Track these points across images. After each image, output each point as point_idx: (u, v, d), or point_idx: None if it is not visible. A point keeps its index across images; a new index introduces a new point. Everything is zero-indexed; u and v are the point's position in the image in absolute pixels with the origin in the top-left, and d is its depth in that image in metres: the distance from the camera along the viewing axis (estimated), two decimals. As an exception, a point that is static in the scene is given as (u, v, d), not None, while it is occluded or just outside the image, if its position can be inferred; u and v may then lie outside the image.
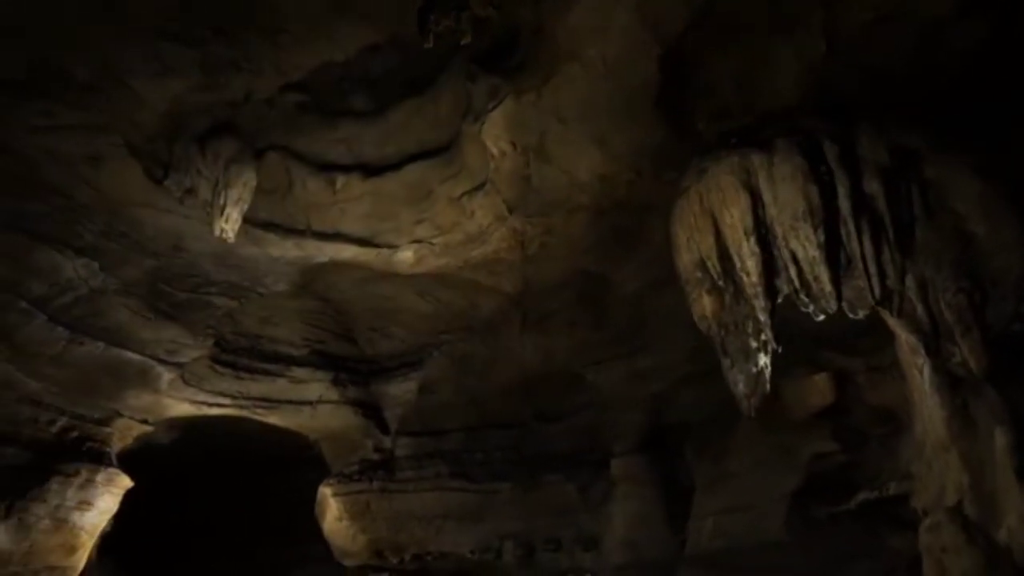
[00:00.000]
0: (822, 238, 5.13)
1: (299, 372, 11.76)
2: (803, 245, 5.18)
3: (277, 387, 11.74)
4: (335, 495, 12.03)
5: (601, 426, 10.97)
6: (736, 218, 5.42)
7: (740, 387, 5.71)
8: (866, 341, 6.79)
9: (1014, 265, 5.09)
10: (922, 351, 5.27)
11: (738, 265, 5.45)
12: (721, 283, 5.66)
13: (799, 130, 5.74)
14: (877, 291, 5.17)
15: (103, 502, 10.98)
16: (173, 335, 10.16)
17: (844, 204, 5.25)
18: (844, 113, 5.89)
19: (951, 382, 5.10)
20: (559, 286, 10.00)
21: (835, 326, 7.42)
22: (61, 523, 10.26)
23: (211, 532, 17.31)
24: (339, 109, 8.40)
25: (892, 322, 5.54)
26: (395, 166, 8.64)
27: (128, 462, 12.77)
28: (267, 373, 11.55)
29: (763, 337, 5.68)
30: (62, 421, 10.16)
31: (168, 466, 15.13)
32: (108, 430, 10.87)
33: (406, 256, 9.14)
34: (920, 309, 5.27)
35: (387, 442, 12.44)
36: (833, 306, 5.12)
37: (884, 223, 5.28)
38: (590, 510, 10.41)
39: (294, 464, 14.37)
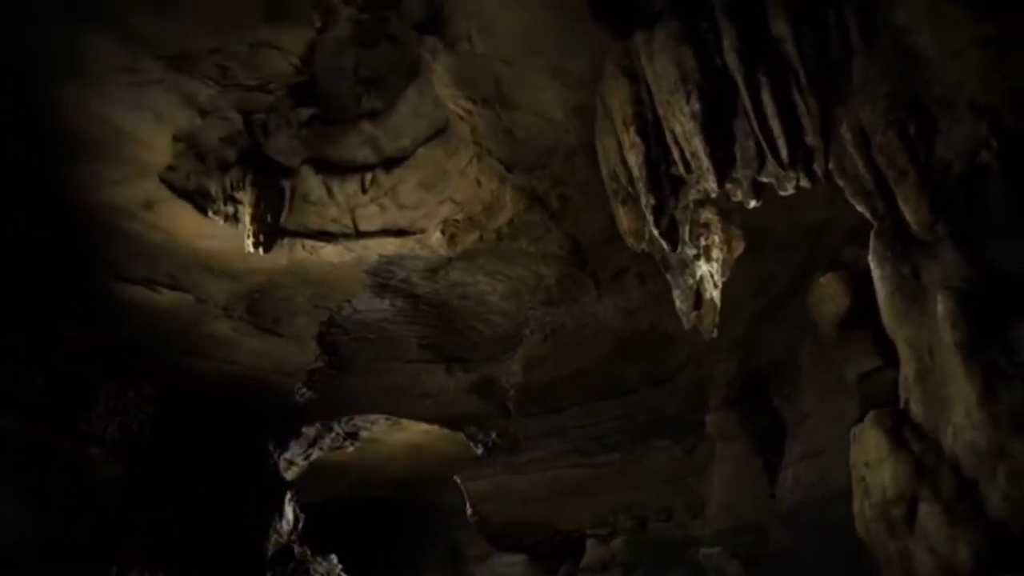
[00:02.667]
0: (696, 106, 4.22)
1: (412, 368, 12.37)
2: (679, 121, 4.32)
3: (395, 385, 12.48)
4: (465, 482, 12.40)
5: (701, 382, 9.97)
6: (617, 109, 4.71)
7: (678, 304, 4.90)
8: (893, 225, 5.36)
9: (969, 74, 3.72)
10: (869, 215, 4.07)
11: (629, 162, 4.71)
12: (631, 190, 4.93)
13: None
14: (784, 152, 4.13)
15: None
16: (283, 350, 11.33)
17: (731, 58, 4.28)
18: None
19: (900, 250, 3.83)
20: (611, 240, 9.33)
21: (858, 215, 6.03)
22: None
23: (407, 527, 18.87)
24: (357, 112, 8.80)
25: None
26: (411, 154, 8.84)
27: (315, 473, 14.59)
28: (382, 373, 12.33)
29: (702, 241, 4.84)
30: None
31: (360, 474, 16.89)
32: (262, 443, 12.38)
33: (438, 237, 9.24)
34: (861, 164, 4.10)
35: (507, 426, 12.55)
36: (713, 183, 4.18)
37: (793, 67, 4.21)
38: (697, 473, 9.49)
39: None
